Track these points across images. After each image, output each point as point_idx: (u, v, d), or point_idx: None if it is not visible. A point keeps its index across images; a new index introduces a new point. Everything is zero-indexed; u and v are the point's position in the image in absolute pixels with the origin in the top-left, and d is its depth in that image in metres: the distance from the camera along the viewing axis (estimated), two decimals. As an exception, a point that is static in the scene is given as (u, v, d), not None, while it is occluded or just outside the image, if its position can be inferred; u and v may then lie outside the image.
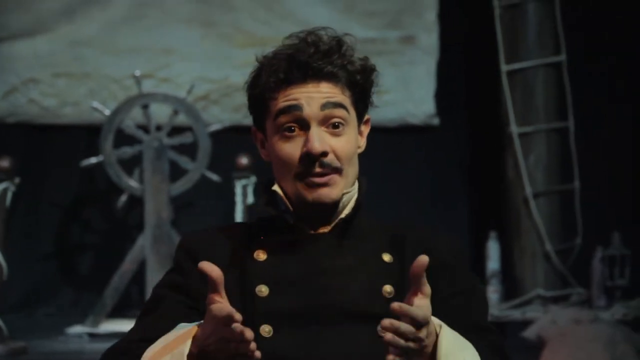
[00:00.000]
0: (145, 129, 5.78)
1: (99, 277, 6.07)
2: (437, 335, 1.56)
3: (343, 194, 1.71)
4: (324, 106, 1.70)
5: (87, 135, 6.27)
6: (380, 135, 6.28)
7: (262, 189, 1.77)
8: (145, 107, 5.76)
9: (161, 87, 6.17)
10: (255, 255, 1.71)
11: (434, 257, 1.67)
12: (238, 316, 1.49)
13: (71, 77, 6.37)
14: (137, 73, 5.74)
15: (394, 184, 6.32)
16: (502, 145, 6.06)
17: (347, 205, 1.73)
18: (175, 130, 5.81)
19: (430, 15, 6.49)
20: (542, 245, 5.85)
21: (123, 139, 5.78)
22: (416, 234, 1.76)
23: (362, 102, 1.77)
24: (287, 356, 1.63)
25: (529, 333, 5.00)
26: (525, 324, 5.30)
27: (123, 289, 5.67)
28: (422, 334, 1.52)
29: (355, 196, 1.75)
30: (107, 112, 5.74)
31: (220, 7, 6.39)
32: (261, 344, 1.61)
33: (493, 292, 5.75)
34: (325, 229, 1.73)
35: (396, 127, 6.40)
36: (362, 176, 1.79)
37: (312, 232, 1.73)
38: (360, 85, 1.74)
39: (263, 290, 1.67)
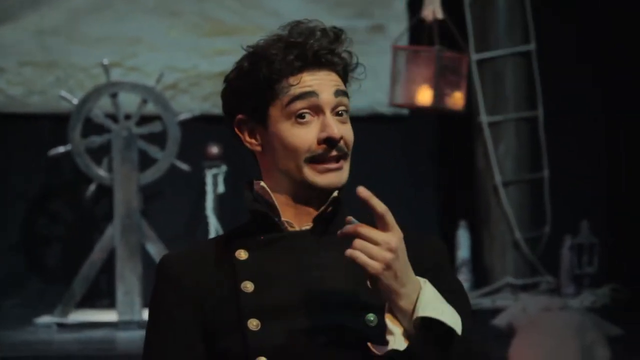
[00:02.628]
0: (114, 118, 5.74)
1: (67, 267, 6.03)
2: (420, 288, 1.59)
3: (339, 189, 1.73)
4: (336, 93, 1.73)
5: (54, 124, 6.22)
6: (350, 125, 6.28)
7: (247, 187, 1.77)
8: (114, 96, 5.71)
9: (129, 76, 6.13)
10: (236, 254, 1.71)
11: (425, 258, 1.71)
12: None
13: (37, 66, 6.31)
14: (105, 61, 5.69)
15: (363, 174, 6.29)
16: (472, 135, 6.09)
17: (327, 201, 1.73)
18: (144, 120, 5.77)
19: (400, 5, 6.50)
20: (511, 234, 5.89)
21: (91, 128, 5.74)
22: (403, 232, 1.71)
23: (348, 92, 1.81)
24: (276, 348, 1.63)
25: (499, 321, 5.03)
26: (495, 312, 5.33)
27: (92, 278, 5.63)
28: (388, 255, 1.55)
29: (336, 192, 1.75)
30: (75, 101, 5.68)
31: (188, -4, 6.36)
32: (250, 337, 1.63)
33: (463, 281, 5.72)
34: (307, 226, 1.73)
35: (366, 117, 6.40)
36: None
37: (295, 229, 1.73)
38: (347, 78, 1.78)
39: (248, 286, 1.67)
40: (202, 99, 6.26)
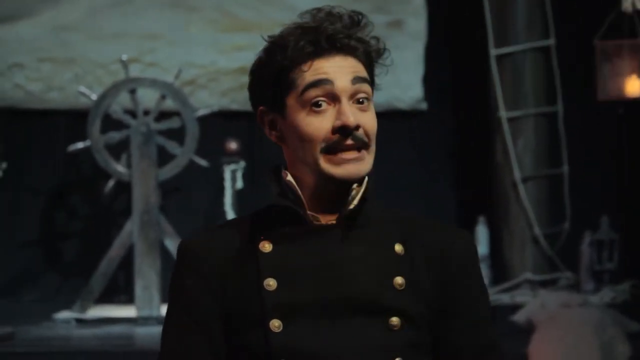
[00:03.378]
0: (132, 113, 5.75)
1: (86, 262, 6.05)
2: None
3: (366, 179, 1.66)
4: (354, 80, 1.64)
5: (73, 120, 6.24)
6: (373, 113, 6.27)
7: (273, 178, 1.70)
8: (132, 91, 5.72)
9: (147, 72, 6.13)
10: (260, 246, 1.65)
11: (452, 259, 1.67)
12: None
13: (56, 62, 6.33)
14: (124, 57, 5.70)
15: (381, 169, 6.28)
16: (491, 130, 6.06)
17: (356, 196, 1.67)
18: (163, 115, 5.77)
19: (418, 0, 6.47)
20: (530, 230, 5.86)
21: (110, 123, 5.75)
22: (431, 230, 1.71)
23: (373, 81, 1.71)
24: (298, 351, 1.59)
25: (519, 317, 5.01)
26: (514, 308, 5.31)
27: (111, 274, 5.65)
28: None
29: (365, 186, 1.68)
30: (94, 96, 5.69)
31: (205, -8, 6.37)
32: (271, 339, 1.59)
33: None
34: (333, 220, 1.66)
35: (383, 112, 6.37)
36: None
37: (320, 222, 1.66)
38: (373, 65, 1.69)
39: (271, 283, 1.61)
40: (221, 94, 6.26)
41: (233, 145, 5.57)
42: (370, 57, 1.69)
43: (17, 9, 6.28)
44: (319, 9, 1.66)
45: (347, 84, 1.64)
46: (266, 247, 1.65)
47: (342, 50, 1.65)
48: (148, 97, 5.80)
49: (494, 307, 5.49)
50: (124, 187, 5.88)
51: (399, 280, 1.63)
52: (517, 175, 5.87)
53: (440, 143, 6.52)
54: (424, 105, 6.46)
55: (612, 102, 5.53)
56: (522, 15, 5.95)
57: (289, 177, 1.68)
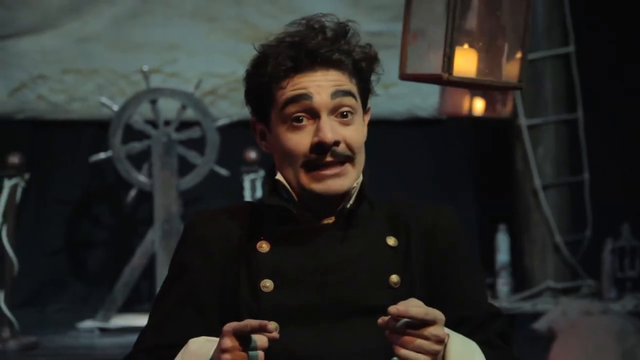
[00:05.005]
0: (153, 124, 5.79)
1: (109, 272, 6.09)
2: (445, 344, 1.54)
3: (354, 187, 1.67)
4: (334, 94, 1.64)
5: (96, 130, 6.29)
6: (388, 129, 6.28)
7: (266, 178, 1.72)
8: (153, 102, 5.76)
9: (169, 82, 6.17)
10: (258, 246, 1.66)
11: (438, 237, 1.68)
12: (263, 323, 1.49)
13: (79, 73, 6.38)
14: (145, 68, 5.75)
15: (401, 178, 6.32)
16: (511, 138, 6.04)
17: (352, 195, 1.68)
18: (184, 125, 5.81)
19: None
20: (551, 237, 5.83)
21: (131, 134, 5.79)
22: (417, 212, 1.71)
23: (365, 90, 1.71)
24: (294, 353, 1.60)
25: (540, 325, 4.99)
26: (536, 316, 5.30)
27: (133, 283, 5.68)
28: (437, 347, 1.51)
29: (359, 186, 1.69)
30: (116, 107, 5.74)
31: (226, 2, 6.39)
32: (268, 341, 1.56)
33: (503, 285, 5.73)
34: (329, 220, 1.68)
35: (404, 120, 6.39)
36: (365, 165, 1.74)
37: (316, 222, 1.68)
38: (365, 73, 1.69)
39: (268, 285, 1.63)
40: (241, 104, 6.19)
41: (252, 154, 5.59)
42: (358, 67, 1.68)
43: (41, 21, 6.34)
44: (305, 20, 1.67)
45: (327, 99, 1.64)
46: (264, 247, 1.66)
47: (323, 64, 1.64)
48: (169, 108, 5.85)
49: (514, 314, 5.49)
50: (145, 197, 5.91)
51: (394, 278, 1.65)
52: (538, 182, 5.85)
53: (460, 151, 6.51)
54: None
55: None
56: (542, 22, 5.93)
57: (282, 179, 1.68)
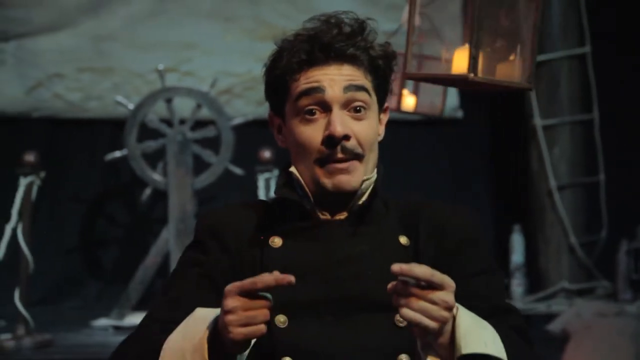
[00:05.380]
0: (168, 122, 5.80)
1: (124, 270, 6.10)
2: (454, 317, 1.50)
3: (362, 181, 1.67)
4: (347, 89, 1.64)
5: (111, 129, 6.30)
6: (404, 129, 6.27)
7: (281, 172, 1.72)
8: (168, 101, 5.78)
9: (184, 81, 6.19)
10: (270, 241, 1.66)
11: (449, 235, 1.66)
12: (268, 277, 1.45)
13: (95, 72, 6.40)
14: (161, 67, 5.76)
15: (417, 177, 6.31)
16: (526, 138, 6.03)
17: (365, 192, 1.68)
18: (199, 124, 5.82)
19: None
20: (566, 238, 5.82)
21: (147, 132, 5.80)
22: (430, 211, 1.70)
23: (382, 88, 1.71)
24: (302, 347, 1.59)
25: (554, 326, 4.98)
26: (550, 317, 5.28)
27: (148, 282, 5.69)
28: (446, 314, 1.45)
29: (373, 183, 1.70)
30: (131, 106, 5.76)
31: (242, 1, 6.41)
32: (276, 334, 1.59)
33: (517, 285, 5.72)
34: (341, 215, 1.68)
35: (420, 120, 6.38)
36: (379, 163, 1.74)
37: (329, 218, 1.68)
38: (382, 71, 1.69)
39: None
40: (257, 103, 6.29)
41: (267, 153, 5.59)
42: (375, 64, 1.68)
43: (57, 20, 6.36)
44: (325, 16, 1.68)
45: (339, 93, 1.64)
46: (276, 241, 1.67)
47: (338, 58, 1.65)
48: (184, 106, 5.86)
49: (529, 315, 5.48)
50: (160, 196, 5.93)
51: None
52: (553, 183, 5.83)
53: (476, 151, 6.50)
54: (459, 114, 6.45)
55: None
56: (558, 22, 5.91)
57: (297, 174, 1.68)
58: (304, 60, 1.65)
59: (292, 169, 1.69)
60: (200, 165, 5.79)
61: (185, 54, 6.39)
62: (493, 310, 1.62)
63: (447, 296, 1.45)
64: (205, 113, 5.80)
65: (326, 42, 1.65)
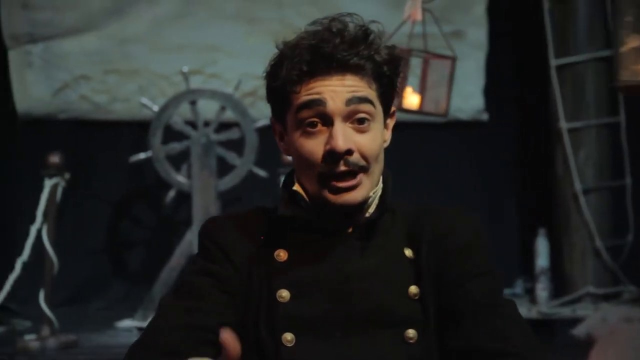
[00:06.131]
0: (193, 124, 5.81)
1: (148, 271, 6.12)
2: None
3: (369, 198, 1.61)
4: (349, 101, 1.57)
5: (136, 131, 6.33)
6: (428, 131, 6.26)
7: (284, 185, 1.67)
8: (193, 103, 5.79)
9: (209, 83, 6.20)
10: (275, 254, 1.61)
11: (450, 241, 1.61)
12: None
13: (121, 74, 6.42)
14: (185, 69, 5.78)
15: (441, 180, 6.29)
16: (552, 141, 5.99)
17: (371, 204, 1.63)
18: (223, 126, 5.83)
19: (479, 10, 6.44)
20: (592, 242, 5.77)
21: (171, 134, 5.82)
22: (433, 218, 1.65)
23: (388, 94, 1.64)
24: None
25: (579, 331, 4.94)
26: (575, 321, 5.23)
27: (172, 283, 5.70)
28: None
29: (380, 194, 1.64)
30: (156, 108, 5.78)
31: (266, 3, 6.41)
32: (283, 352, 1.55)
33: (542, 290, 5.68)
34: (347, 229, 1.63)
35: (444, 123, 6.35)
36: (386, 172, 1.67)
37: (334, 232, 1.63)
38: (387, 77, 1.62)
39: (284, 295, 1.57)
40: (281, 105, 6.29)
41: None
42: (380, 71, 1.61)
43: (83, 22, 6.40)
44: (328, 19, 1.61)
45: (341, 105, 1.57)
46: (281, 255, 1.62)
47: (340, 69, 1.58)
48: (208, 108, 5.87)
49: (554, 320, 5.44)
50: (184, 198, 5.94)
51: (413, 289, 1.59)
52: (578, 186, 5.79)
53: (501, 154, 6.47)
54: (484, 116, 6.42)
55: None
56: (583, 25, 5.87)
57: (298, 188, 1.63)
58: (305, 71, 1.58)
59: (296, 187, 1.64)
60: (224, 167, 5.80)
61: (210, 56, 6.41)
62: (490, 306, 1.58)
63: None
64: (229, 115, 5.81)
65: (328, 52, 1.57)
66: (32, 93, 6.36)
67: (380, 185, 1.66)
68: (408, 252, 1.63)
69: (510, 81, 6.50)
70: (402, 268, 1.62)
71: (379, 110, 1.63)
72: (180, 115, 5.83)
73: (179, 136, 5.82)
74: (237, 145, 5.82)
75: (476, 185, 6.39)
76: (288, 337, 1.56)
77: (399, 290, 1.57)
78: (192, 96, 5.79)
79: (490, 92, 6.39)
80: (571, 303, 5.63)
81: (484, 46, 6.41)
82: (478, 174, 6.42)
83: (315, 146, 1.58)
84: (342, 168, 1.57)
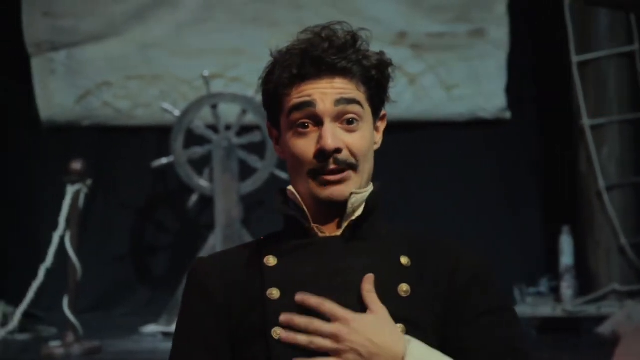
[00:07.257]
0: (214, 128, 5.83)
1: (172, 276, 6.14)
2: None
3: (351, 193, 1.67)
4: (338, 102, 1.66)
5: (158, 136, 6.35)
6: (451, 130, 6.24)
7: (278, 192, 1.74)
8: (214, 107, 5.81)
9: (230, 87, 6.21)
10: (265, 261, 1.68)
11: (459, 273, 1.65)
12: None
13: (143, 79, 6.45)
14: (206, 73, 5.79)
15: (465, 179, 6.27)
16: (575, 138, 5.95)
17: (358, 205, 1.69)
18: (244, 130, 5.84)
19: (500, 8, 6.41)
20: (616, 239, 5.73)
21: (193, 139, 5.84)
22: (442, 247, 1.70)
23: (378, 97, 1.72)
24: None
25: (604, 329, 4.91)
26: (600, 319, 5.21)
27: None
28: (334, 328, 1.53)
29: (367, 197, 1.69)
30: (177, 112, 5.80)
31: (286, 6, 6.42)
32: (273, 347, 1.59)
33: (567, 288, 5.64)
34: (337, 232, 1.69)
35: (467, 122, 6.34)
36: (375, 182, 1.74)
37: (324, 235, 1.69)
38: (376, 81, 1.70)
39: (274, 293, 1.63)
40: (302, 108, 6.29)
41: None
42: (369, 75, 1.69)
43: (105, 29, 6.44)
44: (318, 27, 1.70)
45: (330, 106, 1.66)
46: (270, 261, 1.68)
47: (329, 72, 1.66)
48: (229, 112, 5.88)
49: (579, 318, 5.40)
50: (207, 202, 5.96)
51: (404, 287, 1.64)
52: (602, 184, 5.75)
53: (524, 152, 6.44)
54: (507, 115, 6.39)
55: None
56: (605, 21, 5.83)
57: (292, 190, 1.71)
58: (296, 74, 1.67)
59: (290, 187, 1.72)
60: (246, 171, 5.81)
61: (232, 60, 6.42)
62: (503, 347, 1.63)
63: (333, 327, 1.55)
64: (250, 118, 5.82)
65: (317, 56, 1.66)
66: (55, 100, 6.41)
67: (370, 188, 1.71)
68: (404, 260, 1.68)
69: (532, 79, 6.47)
70: (392, 269, 1.66)
71: (367, 111, 1.71)
72: (201, 119, 5.85)
73: (201, 140, 5.83)
74: (258, 149, 5.83)
75: (499, 183, 6.36)
76: (278, 331, 1.61)
77: (387, 287, 1.61)
78: (213, 100, 5.80)
79: (513, 90, 6.36)
80: (596, 301, 5.59)
81: (505, 45, 6.38)
82: (501, 173, 6.39)
83: (306, 146, 1.66)
84: (332, 166, 1.66)
